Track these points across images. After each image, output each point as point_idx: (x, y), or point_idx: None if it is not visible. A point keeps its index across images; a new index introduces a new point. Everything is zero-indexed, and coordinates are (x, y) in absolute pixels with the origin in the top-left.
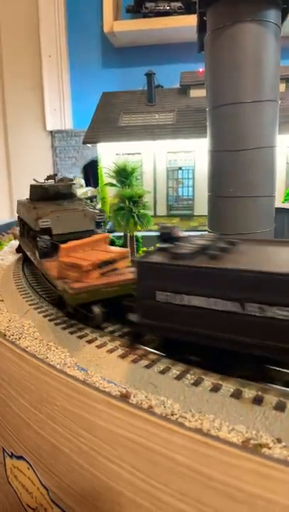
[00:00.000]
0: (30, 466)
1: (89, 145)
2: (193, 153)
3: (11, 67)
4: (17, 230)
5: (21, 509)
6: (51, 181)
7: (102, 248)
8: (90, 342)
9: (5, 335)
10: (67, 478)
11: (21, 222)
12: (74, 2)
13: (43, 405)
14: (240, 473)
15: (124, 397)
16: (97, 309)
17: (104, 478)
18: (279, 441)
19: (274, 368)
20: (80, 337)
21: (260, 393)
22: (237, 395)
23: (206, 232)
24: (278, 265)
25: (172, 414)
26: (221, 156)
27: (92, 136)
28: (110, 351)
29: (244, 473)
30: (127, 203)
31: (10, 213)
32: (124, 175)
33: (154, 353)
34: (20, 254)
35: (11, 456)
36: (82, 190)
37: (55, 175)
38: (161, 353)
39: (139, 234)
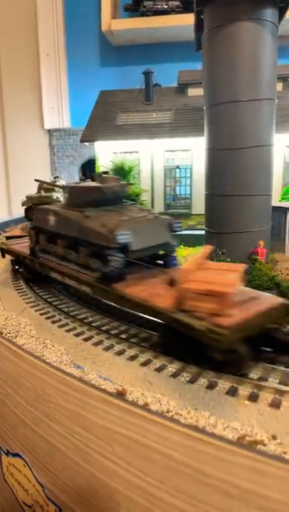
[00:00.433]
0: (26, 463)
1: (86, 143)
2: (191, 152)
3: (9, 65)
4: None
5: (17, 506)
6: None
7: (213, 266)
8: (86, 340)
9: (1, 333)
10: (63, 475)
11: (43, 232)
12: (72, 0)
13: (39, 403)
14: (236, 470)
15: (120, 395)
16: (244, 348)
17: (100, 475)
18: (274, 437)
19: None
20: (77, 335)
21: (255, 391)
22: (232, 392)
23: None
24: None
25: (168, 412)
26: (219, 154)
27: (90, 135)
28: (106, 349)
29: (239, 469)
30: None
31: (7, 212)
32: (121, 173)
33: None
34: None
35: (7, 453)
36: None
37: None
38: None
39: None
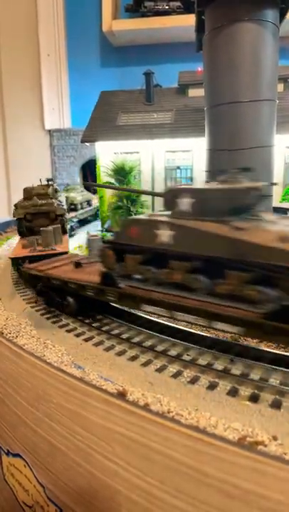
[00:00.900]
0: (27, 463)
1: (87, 144)
2: (192, 153)
3: (10, 65)
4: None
5: (17, 507)
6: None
7: None
8: (87, 340)
9: (2, 333)
10: (64, 475)
11: (133, 252)
12: (73, 1)
13: (39, 403)
14: (236, 471)
15: (121, 395)
16: None
17: (100, 475)
18: (275, 438)
19: None
20: (77, 335)
21: (256, 391)
22: (233, 392)
23: None
24: None
25: (169, 412)
26: (219, 155)
27: (91, 135)
28: (107, 349)
29: (240, 470)
30: (125, 201)
31: (8, 212)
32: (122, 174)
33: None
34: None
35: (8, 453)
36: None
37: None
38: None
39: None
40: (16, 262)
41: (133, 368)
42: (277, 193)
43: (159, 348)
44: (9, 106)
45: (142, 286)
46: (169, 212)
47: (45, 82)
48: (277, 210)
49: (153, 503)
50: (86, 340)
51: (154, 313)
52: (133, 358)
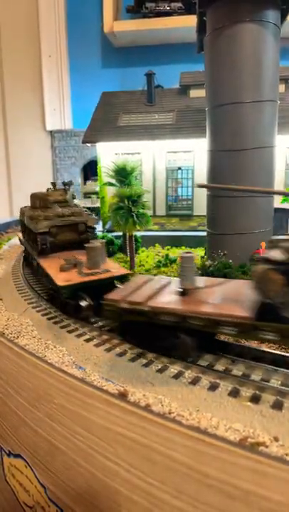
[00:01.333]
0: (28, 464)
1: (88, 145)
2: (193, 153)
3: (11, 66)
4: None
5: (18, 507)
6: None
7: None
8: (88, 341)
9: (3, 333)
10: (65, 476)
11: None
12: (74, 2)
13: (40, 403)
14: (237, 471)
15: (122, 396)
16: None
17: (101, 476)
18: (276, 439)
19: None
20: (78, 336)
21: (257, 392)
22: (234, 393)
23: None
24: None
25: (170, 413)
26: (220, 156)
27: (92, 136)
28: (108, 350)
29: (241, 471)
30: (126, 202)
31: (9, 213)
32: (123, 174)
33: None
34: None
35: (9, 454)
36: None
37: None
38: None
39: (138, 234)
40: (71, 292)
41: (134, 369)
42: None
43: None
44: (11, 107)
45: None
46: None
47: (46, 83)
48: (279, 211)
49: (153, 503)
50: (87, 340)
51: None
52: (134, 359)
